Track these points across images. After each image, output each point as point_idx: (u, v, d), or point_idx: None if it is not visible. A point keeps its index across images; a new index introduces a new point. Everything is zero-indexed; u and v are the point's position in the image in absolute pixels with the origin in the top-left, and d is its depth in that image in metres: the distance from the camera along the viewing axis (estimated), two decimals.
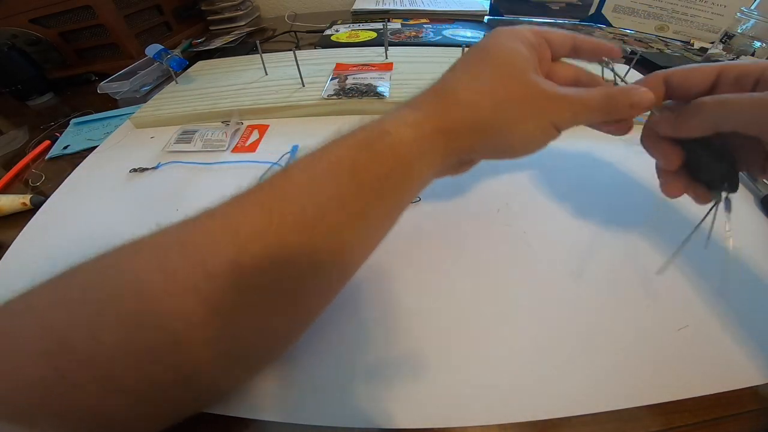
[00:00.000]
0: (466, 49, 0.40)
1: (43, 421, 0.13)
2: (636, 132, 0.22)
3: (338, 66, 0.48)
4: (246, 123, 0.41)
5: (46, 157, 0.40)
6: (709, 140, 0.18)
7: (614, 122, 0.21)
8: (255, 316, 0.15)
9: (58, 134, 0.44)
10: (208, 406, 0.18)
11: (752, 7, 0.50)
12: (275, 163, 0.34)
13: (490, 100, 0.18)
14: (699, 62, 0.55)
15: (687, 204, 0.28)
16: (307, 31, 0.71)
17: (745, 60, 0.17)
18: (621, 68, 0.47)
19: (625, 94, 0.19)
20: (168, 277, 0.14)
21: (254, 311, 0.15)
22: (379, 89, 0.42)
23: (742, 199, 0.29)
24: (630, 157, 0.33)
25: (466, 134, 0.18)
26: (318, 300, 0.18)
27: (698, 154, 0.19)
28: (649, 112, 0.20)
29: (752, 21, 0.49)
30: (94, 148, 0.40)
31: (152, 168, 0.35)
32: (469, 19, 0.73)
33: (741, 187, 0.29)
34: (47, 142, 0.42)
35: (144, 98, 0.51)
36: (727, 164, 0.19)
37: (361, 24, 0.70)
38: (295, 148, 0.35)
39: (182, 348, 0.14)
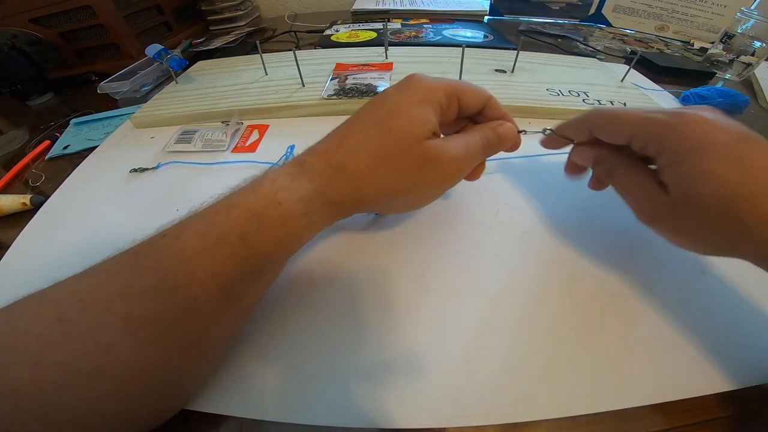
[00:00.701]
0: (466, 48, 0.40)
1: None
2: None
3: (338, 66, 0.48)
4: (246, 123, 0.41)
5: (46, 157, 0.40)
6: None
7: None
8: (156, 364, 0.16)
9: (58, 134, 0.44)
10: None
11: (752, 7, 0.50)
12: (275, 163, 0.34)
13: (374, 173, 0.19)
14: (698, 62, 0.55)
15: None
16: (307, 31, 0.71)
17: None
18: (621, 68, 0.47)
19: (494, 130, 0.22)
20: (68, 327, 0.15)
21: (153, 360, 0.16)
22: (379, 89, 0.42)
23: None
24: None
25: (351, 205, 0.20)
26: (220, 342, 0.19)
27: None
28: None
29: (752, 21, 0.49)
30: (94, 148, 0.40)
31: (152, 168, 0.35)
32: (469, 19, 0.73)
33: None
34: (47, 142, 0.42)
35: (144, 98, 0.51)
36: None
37: (361, 24, 0.70)
38: (291, 149, 0.35)
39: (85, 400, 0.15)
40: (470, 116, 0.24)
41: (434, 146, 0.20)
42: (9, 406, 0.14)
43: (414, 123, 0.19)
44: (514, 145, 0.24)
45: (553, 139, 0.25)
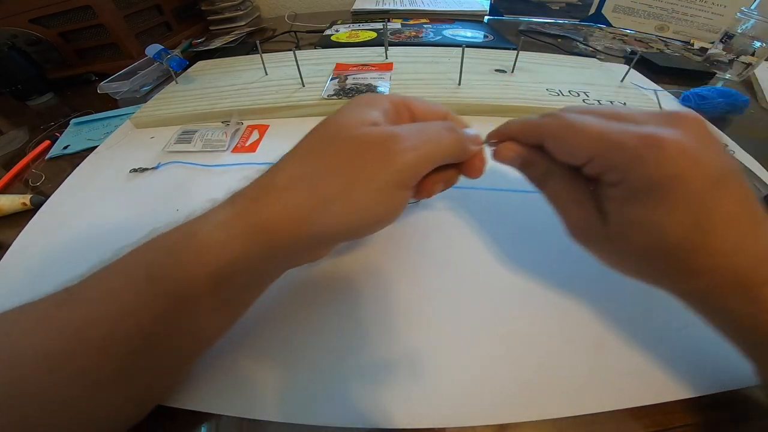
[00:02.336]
0: (466, 48, 0.40)
1: None
2: None
3: (338, 66, 0.48)
4: (246, 123, 0.41)
5: (46, 157, 0.40)
6: None
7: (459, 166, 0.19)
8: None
9: (58, 134, 0.44)
10: None
11: (752, 7, 0.50)
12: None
13: (302, 178, 0.16)
14: (698, 62, 0.55)
15: None
16: (307, 31, 0.71)
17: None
18: (621, 68, 0.47)
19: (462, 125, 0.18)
20: None
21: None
22: (379, 89, 0.42)
23: None
24: None
25: (283, 228, 0.15)
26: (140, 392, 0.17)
27: None
28: None
29: (752, 21, 0.49)
30: (94, 148, 0.40)
31: (152, 168, 0.35)
32: (469, 19, 0.73)
33: None
34: (47, 142, 0.42)
35: (144, 98, 0.51)
36: None
37: (361, 24, 0.70)
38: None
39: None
40: None
41: (370, 128, 0.16)
42: None
43: (350, 116, 0.17)
44: (474, 165, 0.19)
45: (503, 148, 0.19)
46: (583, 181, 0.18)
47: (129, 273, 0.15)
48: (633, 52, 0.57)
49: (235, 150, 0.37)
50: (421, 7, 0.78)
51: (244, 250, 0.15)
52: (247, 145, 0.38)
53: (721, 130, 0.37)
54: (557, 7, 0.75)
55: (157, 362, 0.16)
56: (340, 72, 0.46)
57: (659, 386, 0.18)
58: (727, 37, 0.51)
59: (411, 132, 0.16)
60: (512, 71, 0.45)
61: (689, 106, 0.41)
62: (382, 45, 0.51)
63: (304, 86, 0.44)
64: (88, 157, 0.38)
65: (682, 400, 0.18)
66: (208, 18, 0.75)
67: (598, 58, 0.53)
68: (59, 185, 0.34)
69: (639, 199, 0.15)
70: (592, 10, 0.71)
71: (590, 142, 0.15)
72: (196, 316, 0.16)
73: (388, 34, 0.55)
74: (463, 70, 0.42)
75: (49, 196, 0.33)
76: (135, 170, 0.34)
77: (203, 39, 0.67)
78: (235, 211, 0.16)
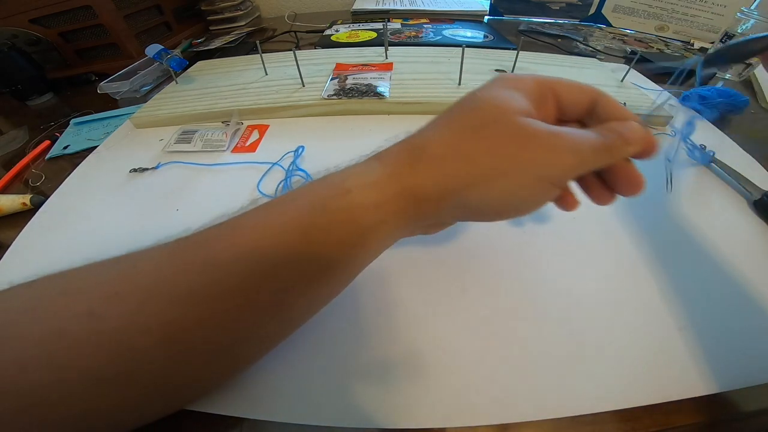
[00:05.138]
0: (466, 48, 0.40)
1: None
2: None
3: (338, 66, 0.48)
4: (246, 123, 0.41)
5: (46, 157, 0.40)
6: None
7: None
8: (186, 374, 0.15)
9: (58, 134, 0.44)
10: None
11: (752, 7, 0.50)
12: (275, 163, 0.34)
13: (461, 151, 0.15)
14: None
15: (685, 204, 0.29)
16: (307, 31, 0.71)
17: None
18: (621, 68, 0.47)
19: (613, 129, 0.16)
20: (100, 324, 0.13)
21: (187, 369, 0.15)
22: (379, 89, 0.42)
23: (735, 203, 0.29)
24: None
25: (434, 195, 0.16)
26: (257, 350, 0.17)
27: None
28: None
29: (752, 21, 0.49)
30: (94, 148, 0.40)
31: (152, 168, 0.35)
32: (469, 19, 0.73)
33: (733, 191, 0.30)
34: (47, 142, 0.42)
35: (144, 98, 0.51)
36: None
37: (361, 24, 0.70)
38: (301, 149, 0.35)
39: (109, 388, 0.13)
40: (577, 119, 0.19)
41: (532, 121, 0.15)
42: (16, 407, 0.12)
43: (503, 99, 0.16)
44: (647, 149, 0.17)
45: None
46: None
47: (282, 235, 0.15)
48: (633, 52, 0.57)
49: (235, 150, 0.37)
50: (421, 7, 0.78)
51: (394, 215, 0.15)
52: (247, 145, 0.38)
53: (721, 130, 0.37)
54: (557, 7, 0.75)
55: (278, 326, 0.16)
56: (340, 72, 0.46)
57: (659, 386, 0.18)
58: (727, 37, 0.51)
59: (571, 141, 0.16)
60: (512, 71, 0.45)
61: (689, 106, 0.41)
62: (382, 45, 0.51)
63: (304, 86, 0.44)
64: (88, 157, 0.38)
65: (682, 400, 0.18)
66: (208, 18, 0.76)
67: (597, 58, 0.53)
68: (59, 185, 0.34)
69: None
70: (592, 10, 0.71)
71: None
72: (328, 280, 0.16)
73: (388, 34, 0.55)
74: (463, 70, 0.42)
75: (49, 196, 0.33)
76: (135, 170, 0.34)
77: (203, 39, 0.67)
78: (388, 173, 0.16)
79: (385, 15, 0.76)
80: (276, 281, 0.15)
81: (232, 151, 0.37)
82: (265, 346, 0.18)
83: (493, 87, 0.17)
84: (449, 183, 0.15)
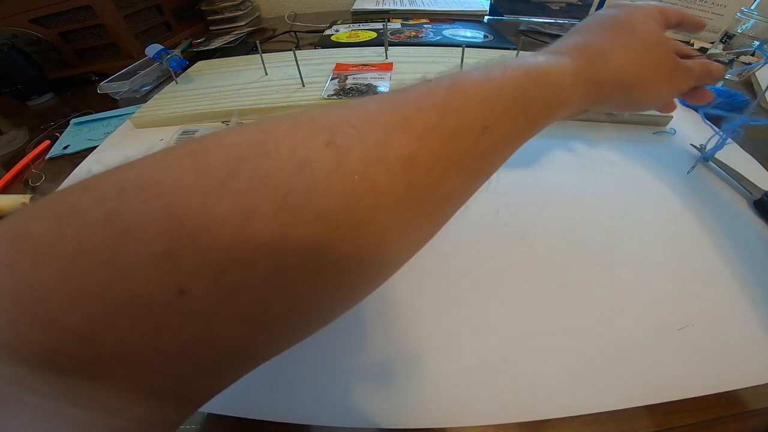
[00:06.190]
0: (466, 48, 0.40)
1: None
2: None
3: (338, 66, 0.48)
4: (246, 123, 0.41)
5: (46, 157, 0.40)
6: None
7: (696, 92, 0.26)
8: (419, 213, 0.14)
9: (58, 134, 0.44)
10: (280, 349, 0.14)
11: (752, 7, 0.50)
12: None
13: (636, 65, 0.21)
14: None
15: (684, 206, 0.29)
16: (307, 31, 0.71)
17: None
18: None
19: (712, 66, 0.26)
20: (341, 156, 0.11)
21: (416, 210, 0.14)
22: (379, 89, 0.42)
23: (735, 203, 0.29)
24: (628, 157, 0.33)
25: (610, 89, 0.21)
26: (456, 203, 0.17)
27: None
28: None
29: (752, 21, 0.49)
30: (94, 148, 0.40)
31: None
32: (469, 19, 0.73)
33: (734, 191, 0.30)
34: (47, 142, 0.42)
35: (144, 98, 0.51)
36: None
37: (361, 24, 0.70)
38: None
39: (339, 249, 0.11)
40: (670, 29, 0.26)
41: (681, 60, 0.23)
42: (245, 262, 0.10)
43: (655, 31, 0.23)
44: (719, 79, 0.27)
45: None
46: None
47: (504, 89, 0.16)
48: None
49: None
50: (421, 7, 0.78)
51: (580, 94, 0.19)
52: None
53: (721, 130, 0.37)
54: (557, 7, 0.75)
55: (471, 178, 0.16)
56: (340, 72, 0.46)
57: (659, 386, 0.18)
58: (727, 37, 0.51)
59: (691, 72, 0.24)
60: None
61: (689, 107, 0.41)
62: (382, 45, 0.51)
63: (304, 86, 0.44)
64: (88, 157, 0.38)
65: (681, 400, 0.18)
66: (208, 18, 0.76)
67: None
68: (59, 185, 0.34)
69: None
70: (592, 10, 0.71)
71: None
72: (519, 142, 0.17)
73: (388, 34, 0.55)
74: (463, 70, 0.42)
75: None
76: None
77: (203, 39, 0.67)
78: (579, 66, 0.19)
79: (385, 15, 0.76)
80: (497, 130, 0.15)
81: None
82: (470, 191, 0.17)
83: (637, 14, 0.23)
84: (624, 84, 0.21)
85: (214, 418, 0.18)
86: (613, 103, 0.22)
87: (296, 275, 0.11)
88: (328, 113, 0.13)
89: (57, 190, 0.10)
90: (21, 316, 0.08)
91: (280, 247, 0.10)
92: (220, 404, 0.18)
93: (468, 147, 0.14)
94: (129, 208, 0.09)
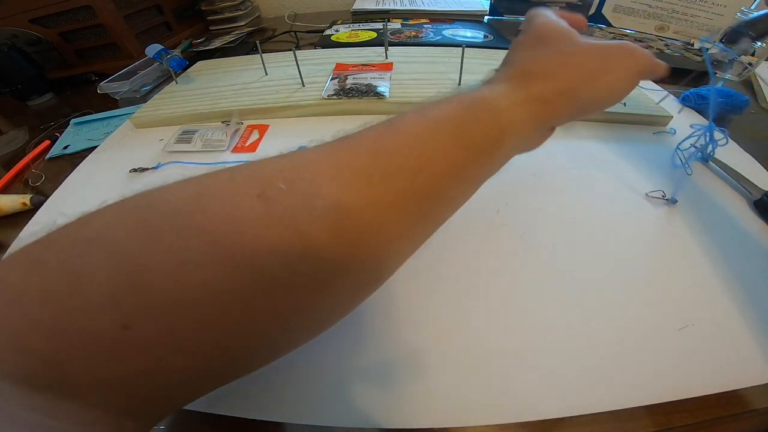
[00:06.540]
0: (466, 48, 0.40)
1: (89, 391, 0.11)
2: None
3: (338, 66, 0.48)
4: (246, 123, 0.41)
5: (46, 157, 0.40)
6: None
7: None
8: (349, 260, 0.14)
9: (58, 134, 0.44)
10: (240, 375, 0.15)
11: (752, 7, 0.50)
12: None
13: (564, 64, 0.20)
14: (698, 62, 0.55)
15: (685, 204, 0.29)
16: (307, 31, 0.71)
17: None
18: None
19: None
20: (269, 207, 0.12)
21: (349, 255, 0.14)
22: (379, 89, 0.42)
23: (735, 203, 0.29)
24: (628, 157, 0.33)
25: (556, 100, 0.19)
26: (401, 247, 0.17)
27: None
28: None
29: None
30: (94, 148, 0.40)
31: (152, 168, 0.35)
32: (469, 19, 0.73)
33: (733, 191, 0.30)
34: (47, 142, 0.42)
35: (144, 98, 0.51)
36: None
37: (361, 24, 0.70)
38: (300, 149, 0.35)
39: (272, 292, 0.12)
40: None
41: (604, 41, 0.22)
42: (172, 306, 0.11)
43: (558, 27, 0.22)
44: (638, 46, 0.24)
45: None
46: None
47: (438, 123, 0.16)
48: None
49: (235, 150, 0.37)
50: (421, 7, 0.78)
51: (522, 114, 0.18)
52: (247, 145, 0.38)
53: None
54: (557, 7, 0.75)
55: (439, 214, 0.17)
56: (340, 72, 0.46)
57: (659, 386, 0.18)
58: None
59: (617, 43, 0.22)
60: None
61: (689, 106, 0.41)
62: (382, 45, 0.51)
63: (304, 86, 0.44)
64: (88, 157, 0.38)
65: (681, 400, 0.18)
66: (208, 18, 0.75)
67: None
68: (59, 185, 0.34)
69: None
70: (592, 10, 0.71)
71: None
72: (466, 178, 0.17)
73: (388, 34, 0.55)
74: (463, 70, 0.42)
75: (49, 196, 0.33)
76: (135, 170, 0.34)
77: (203, 39, 0.67)
78: (512, 86, 0.19)
79: (385, 15, 0.76)
80: (433, 168, 0.15)
81: (232, 151, 0.37)
82: (422, 235, 0.17)
83: (541, 21, 0.22)
84: (563, 86, 0.19)
85: (212, 418, 0.18)
86: (574, 110, 0.21)
87: (236, 315, 0.12)
88: (266, 166, 0.14)
89: (26, 244, 0.12)
90: (4, 345, 0.10)
91: (213, 289, 0.11)
92: (219, 404, 0.18)
93: (403, 188, 0.14)
94: (80, 258, 0.11)
